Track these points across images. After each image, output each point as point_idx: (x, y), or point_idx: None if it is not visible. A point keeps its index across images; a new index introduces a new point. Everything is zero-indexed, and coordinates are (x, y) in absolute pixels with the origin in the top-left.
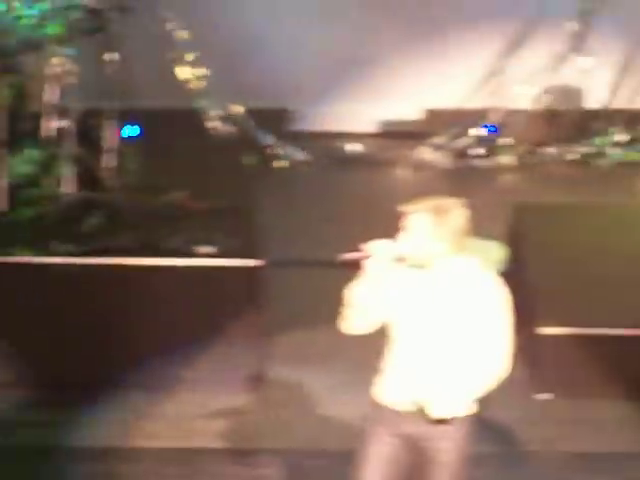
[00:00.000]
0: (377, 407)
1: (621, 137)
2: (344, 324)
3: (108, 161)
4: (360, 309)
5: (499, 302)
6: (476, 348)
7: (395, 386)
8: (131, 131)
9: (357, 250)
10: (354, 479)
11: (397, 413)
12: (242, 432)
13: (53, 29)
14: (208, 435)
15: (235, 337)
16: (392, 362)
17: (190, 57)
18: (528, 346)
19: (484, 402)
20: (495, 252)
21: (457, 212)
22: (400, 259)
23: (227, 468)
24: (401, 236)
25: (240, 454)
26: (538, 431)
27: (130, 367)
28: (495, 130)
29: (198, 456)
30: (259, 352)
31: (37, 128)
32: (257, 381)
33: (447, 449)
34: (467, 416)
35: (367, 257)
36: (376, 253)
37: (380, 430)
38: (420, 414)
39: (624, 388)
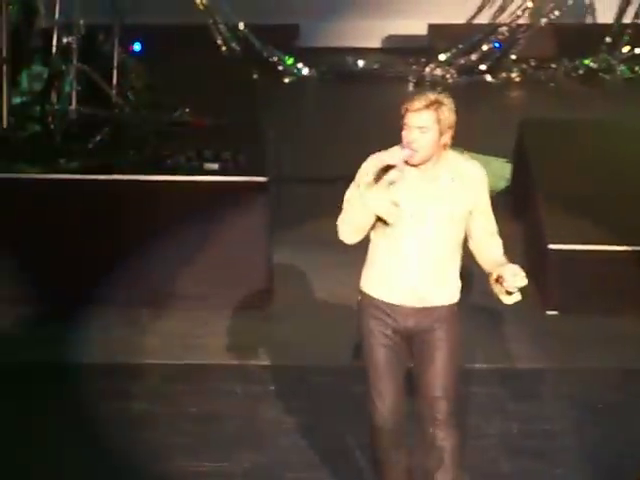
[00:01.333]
0: (372, 303)
1: (629, 52)
2: (344, 236)
3: (114, 77)
4: (361, 227)
5: (487, 193)
6: (471, 237)
7: (397, 281)
8: (136, 47)
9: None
10: (370, 387)
11: (397, 308)
12: (247, 348)
13: None
14: (213, 351)
15: (242, 252)
16: (392, 258)
17: None
18: (537, 262)
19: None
20: (500, 168)
21: (450, 105)
22: (407, 159)
23: (236, 385)
24: (406, 136)
25: (245, 370)
26: (545, 347)
27: (135, 284)
28: (500, 46)
29: (202, 373)
30: (266, 268)
31: (45, 45)
32: (264, 297)
33: (447, 335)
34: (458, 301)
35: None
36: (392, 159)
37: (379, 329)
38: (422, 305)
39: (633, 305)
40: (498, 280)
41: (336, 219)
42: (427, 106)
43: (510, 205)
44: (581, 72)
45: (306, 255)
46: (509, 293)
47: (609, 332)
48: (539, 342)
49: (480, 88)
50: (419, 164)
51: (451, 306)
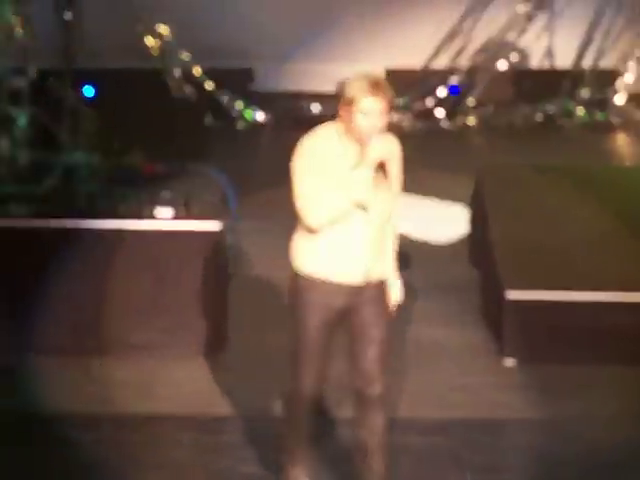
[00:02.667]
0: (312, 284)
1: (588, 97)
2: (318, 224)
3: (65, 122)
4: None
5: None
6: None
7: (343, 260)
8: (87, 92)
9: None
10: (299, 364)
11: (339, 286)
12: (200, 397)
13: None
14: (167, 401)
15: (195, 299)
16: (339, 238)
17: (150, 16)
18: (494, 309)
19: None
20: (458, 214)
21: (387, 85)
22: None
23: (188, 435)
24: (370, 123)
25: (200, 421)
26: (504, 397)
27: (86, 332)
28: (458, 91)
29: (157, 422)
30: (220, 315)
31: None
32: (218, 345)
33: (382, 309)
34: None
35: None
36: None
37: (317, 308)
38: (365, 282)
39: (591, 353)
40: None
41: (288, 265)
42: (383, 89)
43: (467, 251)
44: (540, 117)
45: (261, 301)
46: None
47: (567, 381)
48: (496, 391)
49: (437, 133)
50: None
51: (385, 280)
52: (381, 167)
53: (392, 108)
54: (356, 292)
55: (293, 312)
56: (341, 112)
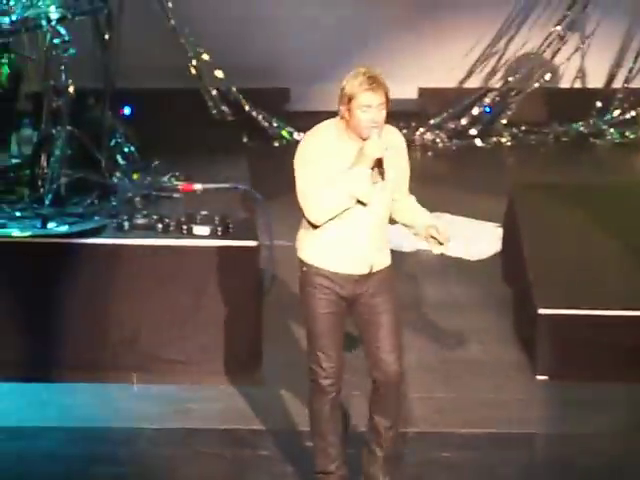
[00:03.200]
0: (319, 273)
1: (620, 117)
2: (319, 218)
3: (104, 142)
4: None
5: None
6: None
7: (347, 251)
8: (126, 111)
9: None
10: (315, 352)
11: (346, 276)
12: (237, 412)
13: (48, 8)
14: (203, 416)
15: (232, 316)
16: (343, 229)
17: (188, 37)
18: (527, 327)
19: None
20: (491, 233)
21: (384, 80)
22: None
23: (225, 450)
24: (371, 118)
25: (237, 436)
26: (536, 412)
27: (126, 348)
28: (491, 110)
29: (194, 437)
30: (256, 332)
31: (35, 108)
32: (254, 361)
33: (389, 297)
34: None
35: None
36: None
37: (325, 297)
38: (369, 271)
39: (623, 370)
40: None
41: None
42: (381, 84)
43: (500, 269)
44: (572, 136)
45: (294, 319)
46: (440, 244)
47: (599, 397)
48: (529, 407)
49: (470, 152)
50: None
51: (390, 267)
52: (378, 163)
53: (389, 102)
54: (361, 281)
55: (302, 301)
56: (341, 108)
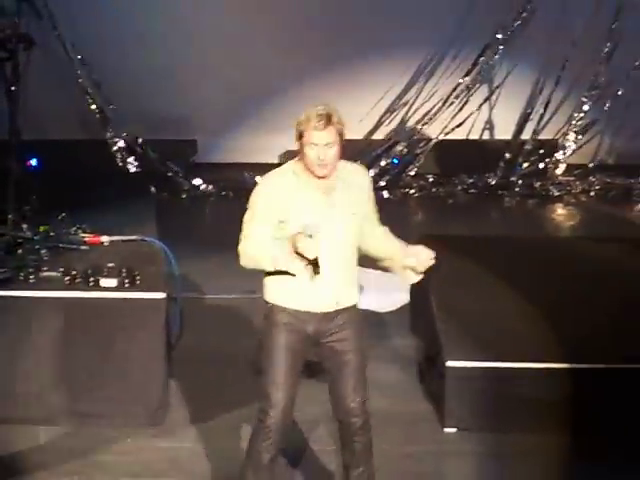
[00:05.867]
0: (284, 312)
1: (528, 168)
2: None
3: (10, 194)
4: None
5: (372, 191)
6: (367, 234)
7: (311, 290)
8: (32, 162)
9: None
10: (268, 391)
11: (311, 315)
12: (141, 465)
13: None
14: (113, 469)
15: (139, 368)
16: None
17: (95, 89)
18: (435, 378)
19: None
20: (400, 284)
21: (338, 114)
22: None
23: None
24: (317, 155)
25: None
26: (445, 465)
27: (32, 402)
28: (399, 162)
29: None
30: (162, 384)
31: None
32: (160, 413)
33: (355, 334)
34: None
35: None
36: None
37: (288, 335)
38: (336, 309)
39: (531, 421)
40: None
41: (234, 338)
42: (330, 122)
43: (408, 321)
44: (480, 188)
45: (202, 371)
46: (417, 273)
47: (508, 449)
48: (438, 460)
49: (378, 204)
50: (325, 177)
51: (357, 305)
52: (314, 261)
53: (342, 140)
54: (327, 318)
55: (264, 340)
56: (297, 144)
